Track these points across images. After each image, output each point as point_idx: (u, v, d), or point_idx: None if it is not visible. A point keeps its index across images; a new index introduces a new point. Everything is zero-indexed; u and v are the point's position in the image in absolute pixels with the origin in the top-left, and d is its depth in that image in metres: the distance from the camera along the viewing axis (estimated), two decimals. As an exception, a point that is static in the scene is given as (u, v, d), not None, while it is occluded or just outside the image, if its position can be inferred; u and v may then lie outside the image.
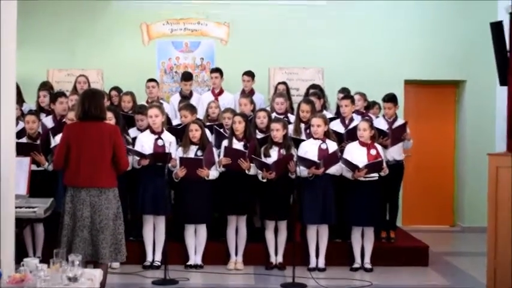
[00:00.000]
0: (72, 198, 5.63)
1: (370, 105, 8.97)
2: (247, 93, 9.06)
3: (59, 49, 10.28)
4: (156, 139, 7.54)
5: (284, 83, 9.39)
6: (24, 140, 7.46)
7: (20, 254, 5.41)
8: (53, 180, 7.40)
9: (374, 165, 7.42)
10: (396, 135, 8.09)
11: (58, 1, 10.24)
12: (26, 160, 6.25)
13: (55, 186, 7.37)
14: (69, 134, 5.73)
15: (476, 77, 10.43)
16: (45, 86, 9.14)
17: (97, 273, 4.91)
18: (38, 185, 6.56)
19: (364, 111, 8.67)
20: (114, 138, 5.73)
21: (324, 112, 8.42)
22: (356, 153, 7.51)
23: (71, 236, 5.62)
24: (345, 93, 8.70)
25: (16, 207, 5.30)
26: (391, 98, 8.38)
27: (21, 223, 6.05)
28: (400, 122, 8.32)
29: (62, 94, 8.54)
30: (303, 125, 8.11)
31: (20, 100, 8.18)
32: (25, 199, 5.96)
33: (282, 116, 8.25)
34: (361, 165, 7.38)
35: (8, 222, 4.98)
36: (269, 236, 7.73)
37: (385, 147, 7.97)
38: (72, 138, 5.68)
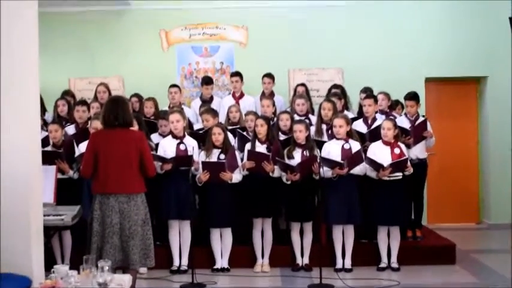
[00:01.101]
0: (100, 205, 5.65)
1: (394, 105, 8.92)
2: (268, 96, 9.06)
3: (80, 58, 10.34)
4: (178, 144, 7.55)
5: (303, 84, 9.36)
6: (48, 149, 7.49)
7: (49, 261, 5.45)
8: (78, 188, 7.45)
9: (399, 164, 7.39)
10: (418, 132, 8.06)
11: (77, 11, 10.30)
12: (52, 168, 6.33)
13: (80, 194, 7.41)
14: (96, 142, 5.76)
15: (497, 72, 10.34)
16: (66, 94, 9.22)
17: (126, 279, 4.94)
18: (63, 193, 6.59)
19: (388, 111, 8.63)
20: (141, 144, 5.76)
21: (346, 112, 8.39)
22: (380, 153, 7.48)
23: (100, 243, 5.65)
24: (368, 92, 8.67)
25: (44, 216, 5.35)
26: (412, 96, 8.35)
27: (49, 231, 6.11)
28: (421, 120, 8.29)
29: (79, 102, 8.59)
30: (324, 126, 8.09)
31: (42, 109, 8.22)
32: (52, 207, 6.04)
33: (303, 118, 8.24)
34: (385, 164, 7.35)
35: (37, 230, 5.03)
36: (295, 237, 7.72)
37: (408, 146, 7.94)
38: (99, 146, 5.70)
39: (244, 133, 8.02)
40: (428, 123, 8.24)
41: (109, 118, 5.76)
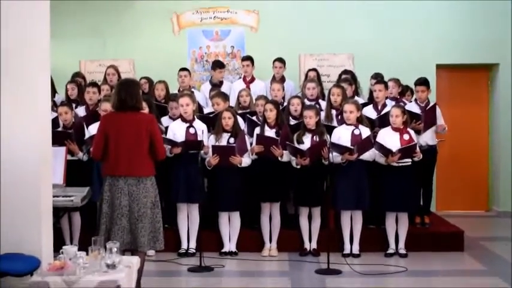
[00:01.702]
0: (110, 187, 5.68)
1: (404, 91, 8.88)
2: (278, 80, 9.04)
3: (91, 40, 10.37)
4: (188, 127, 7.55)
5: (315, 69, 9.35)
6: (58, 130, 7.50)
7: (57, 242, 5.48)
8: (87, 170, 7.47)
9: (408, 149, 7.37)
10: (428, 118, 8.02)
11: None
12: (62, 149, 6.34)
13: (89, 175, 7.44)
14: (107, 125, 5.77)
15: (509, 59, 10.28)
16: (77, 76, 9.22)
17: (135, 261, 4.98)
18: (72, 174, 6.61)
19: (398, 97, 8.59)
20: (151, 127, 5.76)
21: (356, 98, 8.37)
22: (389, 139, 7.46)
23: (109, 225, 5.67)
24: (378, 78, 8.65)
25: (53, 196, 5.38)
26: (423, 82, 8.32)
27: (58, 212, 6.14)
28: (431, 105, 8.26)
29: (90, 84, 8.61)
30: (334, 111, 8.08)
31: (52, 91, 8.22)
32: (62, 188, 6.06)
33: (313, 102, 8.23)
34: (394, 149, 7.33)
35: (46, 210, 5.05)
36: (303, 222, 7.74)
37: (418, 132, 7.91)
38: (110, 128, 5.72)
39: (254, 118, 8.02)
40: (438, 110, 8.21)
41: (119, 101, 5.76)
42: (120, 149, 5.67)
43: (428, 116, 8.04)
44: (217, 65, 9.41)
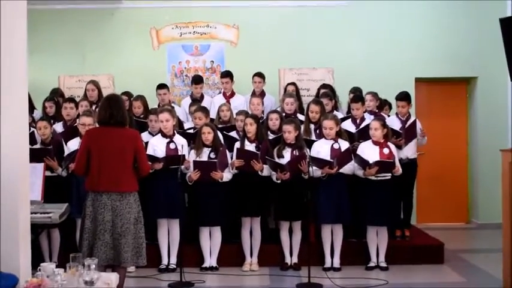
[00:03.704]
0: (93, 202, 5.65)
1: (382, 104, 8.90)
2: (258, 95, 9.05)
3: (70, 56, 10.33)
4: (168, 142, 7.53)
5: (293, 83, 9.38)
6: (37, 146, 7.45)
7: (36, 259, 5.42)
8: (66, 186, 7.42)
9: (385, 164, 7.38)
10: (409, 133, 8.05)
11: (67, 9, 10.30)
12: (40, 166, 6.30)
13: (68, 192, 7.39)
14: (90, 140, 5.75)
15: (487, 73, 10.37)
16: (55, 93, 9.15)
17: (113, 277, 4.92)
18: (51, 190, 6.57)
19: (377, 111, 8.61)
20: (135, 143, 5.75)
21: (335, 112, 8.38)
22: (369, 152, 7.47)
23: (92, 240, 5.64)
24: (357, 92, 8.67)
25: (31, 213, 5.32)
26: (404, 97, 8.34)
27: (37, 229, 6.09)
28: (412, 120, 8.29)
29: (67, 100, 8.54)
30: (312, 126, 8.09)
31: (30, 107, 8.17)
32: (40, 205, 6.01)
33: (292, 116, 8.24)
34: (371, 162, 7.33)
35: (24, 228, 4.99)
36: (284, 236, 7.73)
37: (399, 147, 7.94)
38: (93, 143, 5.69)
39: (233, 133, 8.02)
40: (418, 124, 8.25)
41: (105, 116, 5.74)
42: (103, 165, 5.64)
43: (408, 132, 8.06)
44: (194, 80, 9.38)
